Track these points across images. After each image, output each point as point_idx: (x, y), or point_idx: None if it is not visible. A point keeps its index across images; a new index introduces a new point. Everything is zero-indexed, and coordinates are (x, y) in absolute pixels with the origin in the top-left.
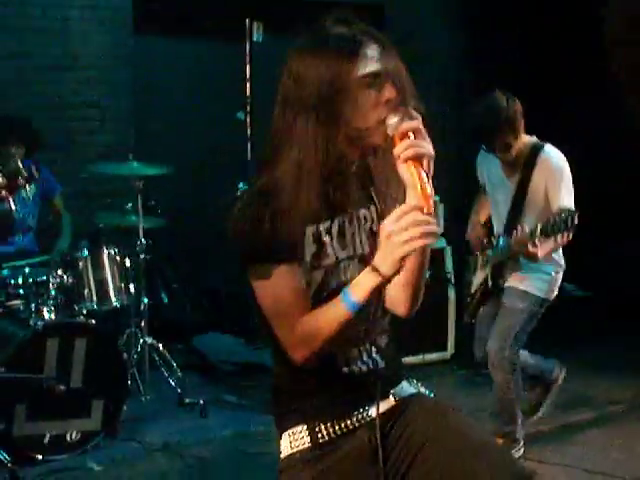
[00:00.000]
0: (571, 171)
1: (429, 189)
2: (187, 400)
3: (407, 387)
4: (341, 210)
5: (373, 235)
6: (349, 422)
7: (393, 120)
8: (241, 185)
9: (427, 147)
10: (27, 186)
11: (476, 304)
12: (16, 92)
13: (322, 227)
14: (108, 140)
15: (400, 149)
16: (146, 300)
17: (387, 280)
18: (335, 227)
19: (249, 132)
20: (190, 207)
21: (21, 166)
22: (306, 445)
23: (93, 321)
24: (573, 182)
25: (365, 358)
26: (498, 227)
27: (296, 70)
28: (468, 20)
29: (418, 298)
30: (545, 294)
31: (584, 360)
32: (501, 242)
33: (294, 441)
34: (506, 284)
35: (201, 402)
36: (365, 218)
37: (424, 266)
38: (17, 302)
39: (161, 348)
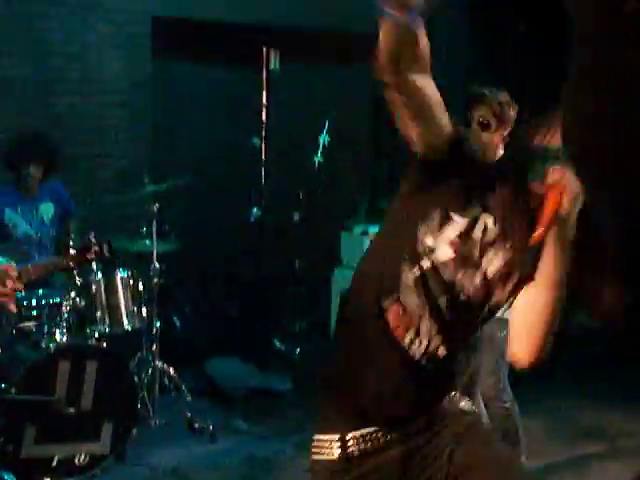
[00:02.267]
0: None
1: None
2: (196, 425)
3: (450, 404)
4: (490, 209)
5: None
6: (381, 437)
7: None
8: (255, 210)
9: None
10: (96, 263)
11: None
12: (36, 114)
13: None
14: (125, 163)
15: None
16: (158, 324)
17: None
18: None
19: (263, 158)
20: (203, 231)
21: (93, 240)
22: (335, 456)
23: (105, 344)
24: None
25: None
26: None
27: None
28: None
29: (544, 344)
30: None
31: (599, 391)
32: None
33: (322, 448)
34: None
35: (210, 427)
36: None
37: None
38: (30, 324)
39: (172, 372)
